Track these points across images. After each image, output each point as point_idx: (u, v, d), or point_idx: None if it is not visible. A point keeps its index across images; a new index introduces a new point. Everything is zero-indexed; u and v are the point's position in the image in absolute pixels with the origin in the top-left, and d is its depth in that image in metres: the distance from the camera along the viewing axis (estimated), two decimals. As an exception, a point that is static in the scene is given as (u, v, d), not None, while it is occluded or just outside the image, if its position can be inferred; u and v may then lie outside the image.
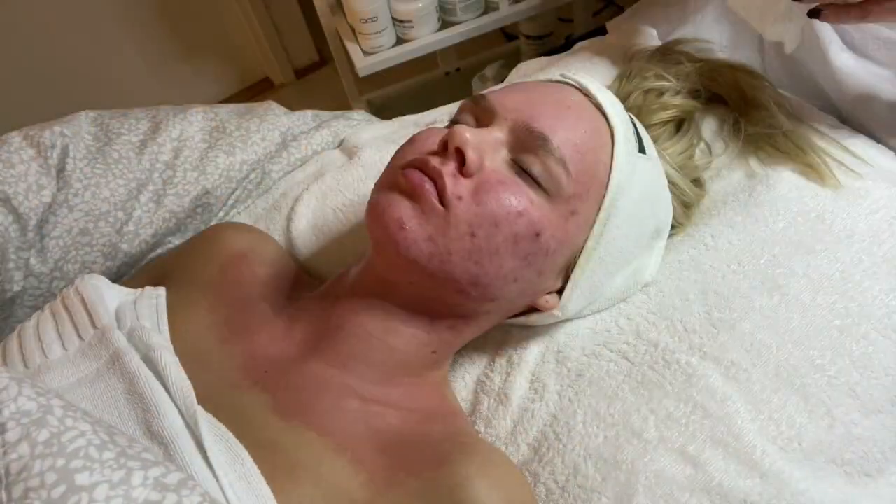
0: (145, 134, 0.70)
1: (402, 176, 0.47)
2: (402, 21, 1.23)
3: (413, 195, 0.46)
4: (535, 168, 0.47)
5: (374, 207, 0.47)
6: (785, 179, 0.63)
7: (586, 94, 0.53)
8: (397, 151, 0.52)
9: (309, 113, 0.83)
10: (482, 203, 0.45)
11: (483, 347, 0.59)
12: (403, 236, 0.45)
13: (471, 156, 0.46)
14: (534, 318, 0.55)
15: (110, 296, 0.52)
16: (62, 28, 1.62)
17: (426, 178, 0.46)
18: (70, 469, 0.32)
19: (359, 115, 0.86)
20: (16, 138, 0.65)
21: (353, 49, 1.28)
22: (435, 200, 0.46)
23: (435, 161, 0.47)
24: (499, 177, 0.47)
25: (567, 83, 0.55)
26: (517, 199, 0.46)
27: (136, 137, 0.70)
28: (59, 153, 0.65)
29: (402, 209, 0.46)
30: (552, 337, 0.57)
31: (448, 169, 0.46)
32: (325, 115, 0.84)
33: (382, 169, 0.52)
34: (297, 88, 2.08)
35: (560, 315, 0.54)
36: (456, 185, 0.46)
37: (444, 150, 0.47)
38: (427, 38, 1.26)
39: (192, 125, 0.72)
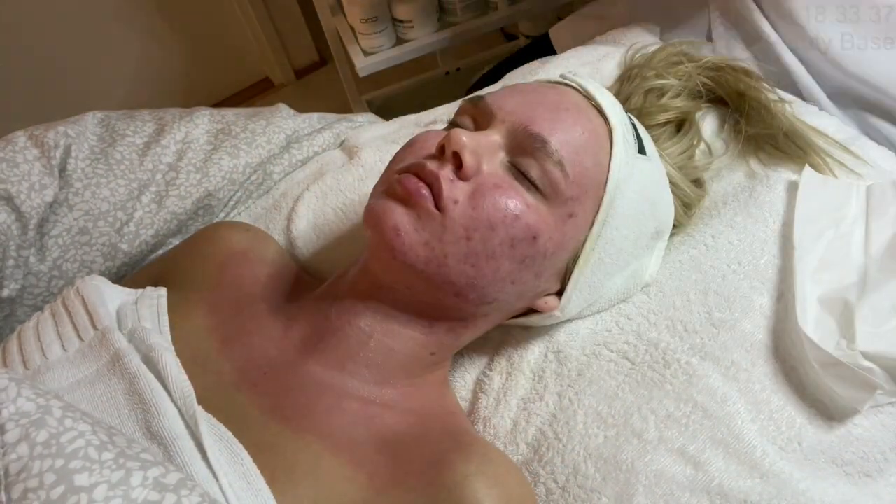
0: (150, 136, 0.70)
1: (398, 182, 0.47)
2: (401, 21, 1.23)
3: (408, 201, 0.46)
4: (533, 171, 0.47)
5: (371, 214, 0.47)
6: (785, 180, 0.63)
7: (585, 95, 0.53)
8: (395, 155, 0.52)
9: (315, 115, 0.82)
10: (478, 207, 0.45)
11: (483, 347, 0.59)
12: (400, 242, 0.45)
13: (467, 159, 0.46)
14: (534, 319, 0.55)
15: (111, 296, 0.52)
16: (62, 28, 1.62)
17: (422, 184, 0.46)
18: (69, 469, 0.32)
19: (362, 117, 0.86)
20: (21, 137, 0.65)
21: (353, 49, 1.28)
22: (430, 205, 0.45)
23: (432, 165, 0.47)
24: (495, 180, 0.46)
25: (566, 84, 0.54)
26: (514, 202, 0.46)
27: (141, 139, 0.70)
28: (62, 153, 0.66)
29: (398, 216, 0.46)
30: (552, 337, 0.57)
31: (445, 173, 0.46)
32: (330, 117, 0.84)
33: (382, 169, 0.52)
34: (297, 88, 2.08)
35: (560, 316, 0.54)
36: (452, 189, 0.46)
37: (441, 153, 0.47)
38: (427, 38, 1.26)
39: (197, 127, 0.72)
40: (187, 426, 0.41)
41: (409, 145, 0.52)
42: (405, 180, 0.46)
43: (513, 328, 0.58)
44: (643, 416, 0.50)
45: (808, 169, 0.62)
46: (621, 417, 0.51)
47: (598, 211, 0.50)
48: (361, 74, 1.27)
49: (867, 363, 0.47)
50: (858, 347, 0.48)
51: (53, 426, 0.34)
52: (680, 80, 0.68)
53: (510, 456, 0.53)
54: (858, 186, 0.61)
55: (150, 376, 0.43)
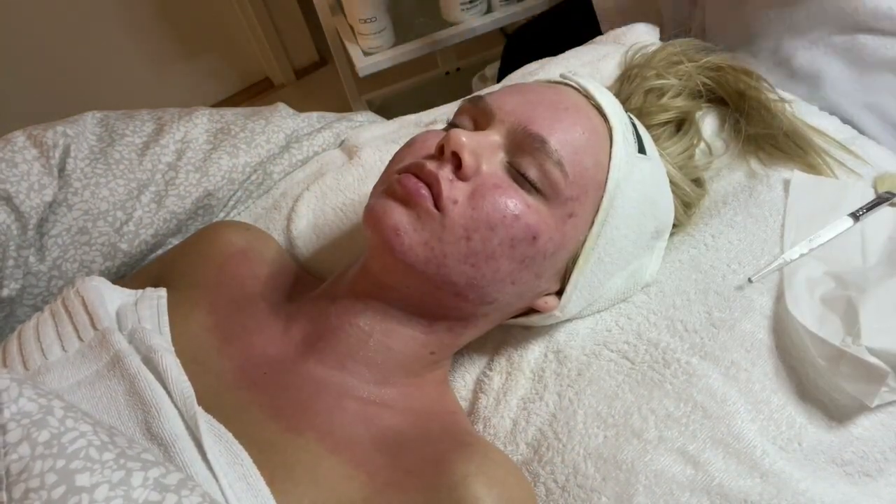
0: (149, 136, 0.70)
1: (398, 182, 0.47)
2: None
3: (408, 201, 0.46)
4: (532, 171, 0.47)
5: (371, 214, 0.47)
6: (785, 180, 0.63)
7: (585, 95, 0.53)
8: (395, 155, 0.52)
9: (315, 115, 0.82)
10: (478, 207, 0.45)
11: (483, 347, 0.59)
12: (399, 242, 0.45)
13: (467, 160, 0.46)
14: (534, 319, 0.55)
15: (111, 297, 0.52)
16: (62, 28, 1.62)
17: (421, 184, 0.46)
18: (70, 470, 0.32)
19: (362, 117, 0.86)
20: (20, 138, 0.65)
21: (353, 49, 1.28)
22: (430, 205, 0.45)
23: (431, 165, 0.47)
24: (495, 180, 0.46)
25: (566, 84, 0.54)
26: (513, 202, 0.46)
27: (140, 139, 0.70)
28: (61, 153, 0.66)
29: (397, 216, 0.46)
30: (552, 336, 0.57)
31: (444, 173, 0.46)
32: (330, 116, 0.84)
33: (382, 169, 0.52)
34: (297, 88, 2.08)
35: (560, 316, 0.54)
36: (452, 189, 0.46)
37: (440, 153, 0.47)
38: (427, 37, 1.26)
39: (196, 127, 0.72)
40: (187, 427, 0.41)
41: (409, 145, 0.52)
42: (404, 180, 0.46)
43: (513, 328, 0.58)
44: (643, 415, 0.51)
45: (797, 172, 0.62)
46: (621, 417, 0.51)
47: (597, 211, 0.50)
48: (361, 74, 1.27)
49: (873, 359, 0.47)
50: (864, 343, 0.48)
51: (55, 426, 0.34)
52: (680, 79, 0.68)
53: (510, 456, 0.53)
54: (852, 185, 0.61)
55: (151, 377, 0.43)
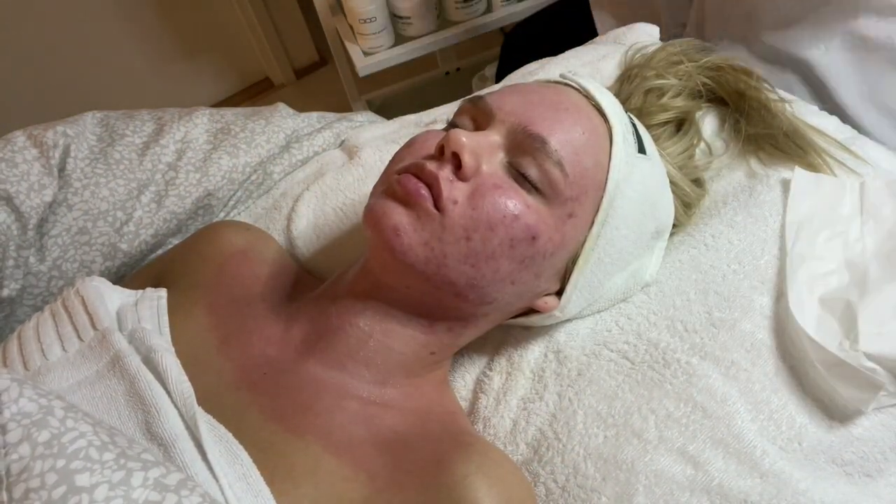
0: (149, 136, 0.70)
1: (398, 182, 0.47)
2: (401, 17, 1.24)
3: (408, 202, 0.46)
4: (532, 171, 0.47)
5: (370, 214, 0.47)
6: (785, 180, 0.63)
7: (585, 95, 0.53)
8: (395, 155, 0.52)
9: (315, 115, 0.82)
10: (477, 207, 0.45)
11: (483, 347, 0.59)
12: (399, 242, 0.45)
13: (467, 160, 0.46)
14: (534, 319, 0.55)
15: (111, 297, 0.52)
16: (62, 28, 1.62)
17: (421, 184, 0.46)
18: (70, 470, 0.32)
19: (362, 117, 0.86)
20: (20, 138, 0.65)
21: (353, 49, 1.28)
22: (430, 205, 0.45)
23: (431, 165, 0.47)
24: (495, 180, 0.47)
25: (566, 84, 0.54)
26: (513, 202, 0.46)
27: (140, 139, 0.70)
28: (61, 153, 0.66)
29: (397, 216, 0.46)
30: (552, 336, 0.57)
31: (444, 173, 0.46)
32: (330, 116, 0.84)
33: (382, 169, 0.52)
34: (297, 88, 2.09)
35: (560, 316, 0.54)
36: (452, 190, 0.46)
37: (440, 153, 0.47)
38: (427, 37, 1.26)
39: (196, 127, 0.73)
40: (187, 427, 0.41)
41: (409, 145, 0.52)
42: (404, 180, 0.46)
43: (513, 328, 0.59)
44: (643, 415, 0.51)
45: (798, 170, 0.62)
46: (621, 417, 0.51)
47: (597, 211, 0.50)
48: (361, 74, 1.27)
49: (871, 364, 0.47)
50: (862, 348, 0.48)
51: (55, 426, 0.34)
52: (680, 79, 0.68)
53: (510, 456, 0.53)
54: (851, 184, 0.61)
55: (150, 377, 0.43)
